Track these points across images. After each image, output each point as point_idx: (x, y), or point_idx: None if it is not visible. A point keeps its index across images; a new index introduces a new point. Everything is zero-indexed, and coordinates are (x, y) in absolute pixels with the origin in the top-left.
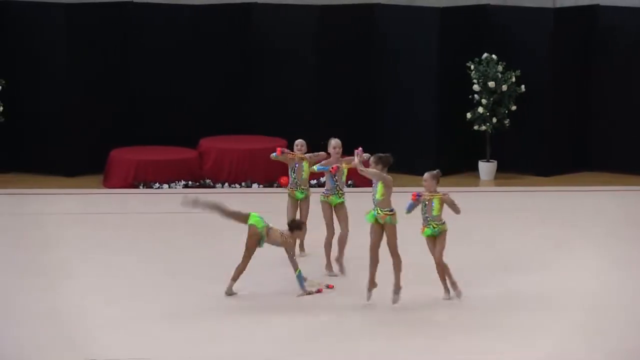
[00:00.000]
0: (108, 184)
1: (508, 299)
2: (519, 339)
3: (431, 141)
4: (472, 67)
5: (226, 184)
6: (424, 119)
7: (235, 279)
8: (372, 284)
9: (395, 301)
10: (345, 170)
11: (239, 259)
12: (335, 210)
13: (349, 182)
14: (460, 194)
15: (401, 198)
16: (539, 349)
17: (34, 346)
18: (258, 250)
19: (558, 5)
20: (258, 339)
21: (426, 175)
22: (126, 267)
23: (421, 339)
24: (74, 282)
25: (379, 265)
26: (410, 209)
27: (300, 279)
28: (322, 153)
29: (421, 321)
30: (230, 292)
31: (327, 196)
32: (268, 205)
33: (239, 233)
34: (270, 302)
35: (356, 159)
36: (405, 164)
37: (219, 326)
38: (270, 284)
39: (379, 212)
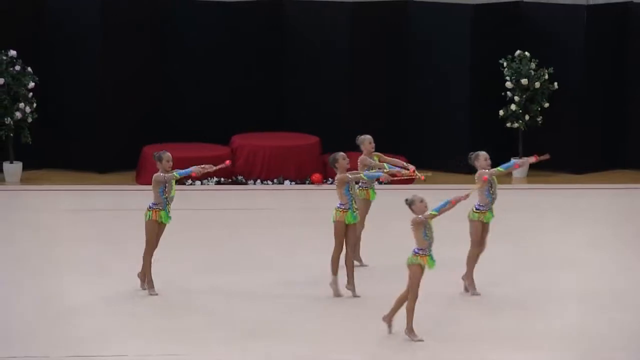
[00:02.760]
0: (141, 180)
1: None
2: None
3: (464, 138)
4: (505, 64)
5: (258, 181)
6: (456, 117)
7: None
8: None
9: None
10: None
11: (269, 255)
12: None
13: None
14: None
15: (436, 195)
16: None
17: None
18: None
19: (592, 3)
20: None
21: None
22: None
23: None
24: (108, 277)
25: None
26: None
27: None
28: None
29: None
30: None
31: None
32: (300, 202)
33: (270, 230)
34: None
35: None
36: (438, 161)
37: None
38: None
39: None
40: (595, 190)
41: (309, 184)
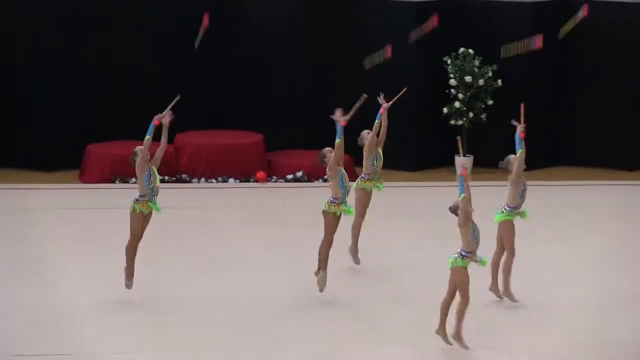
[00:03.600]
0: (84, 179)
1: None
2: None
3: (408, 136)
4: (449, 61)
5: (202, 179)
6: (400, 114)
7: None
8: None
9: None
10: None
11: (219, 253)
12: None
13: (325, 176)
14: (436, 189)
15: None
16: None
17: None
18: None
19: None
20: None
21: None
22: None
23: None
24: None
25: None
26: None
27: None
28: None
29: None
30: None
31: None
32: (243, 200)
33: (217, 228)
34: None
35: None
36: (387, 160)
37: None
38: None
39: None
40: (539, 187)
41: (253, 182)
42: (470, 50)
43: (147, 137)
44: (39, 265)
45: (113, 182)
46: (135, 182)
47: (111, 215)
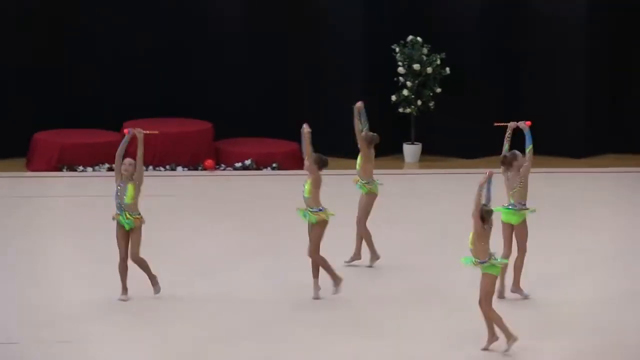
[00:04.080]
0: (31, 167)
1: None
2: None
3: (349, 124)
4: (397, 49)
5: (150, 167)
6: (350, 102)
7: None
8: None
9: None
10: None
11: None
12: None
13: (273, 164)
14: (384, 177)
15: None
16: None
17: None
18: None
19: None
20: None
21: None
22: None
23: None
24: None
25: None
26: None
27: None
28: None
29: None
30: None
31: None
32: (192, 189)
33: (168, 217)
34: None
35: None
36: (332, 147)
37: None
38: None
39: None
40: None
41: (201, 170)
42: (419, 38)
43: (119, 150)
44: None
45: (60, 170)
46: (83, 170)
47: (58, 204)
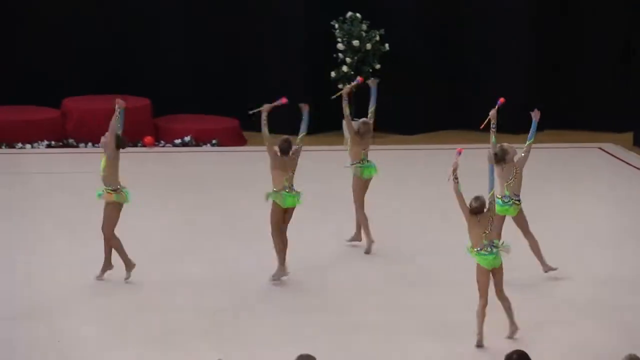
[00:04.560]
0: None
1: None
2: None
3: (295, 101)
4: (337, 25)
5: (90, 144)
6: (289, 78)
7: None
8: None
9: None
10: None
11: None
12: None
13: (213, 141)
14: (324, 153)
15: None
16: None
17: None
18: None
19: None
20: None
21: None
22: None
23: None
24: None
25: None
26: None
27: None
28: None
29: None
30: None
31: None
32: (131, 166)
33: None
34: None
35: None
36: (271, 122)
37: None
38: None
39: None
40: (428, 150)
41: (141, 146)
42: (358, 15)
43: (111, 124)
44: None
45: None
46: (21, 147)
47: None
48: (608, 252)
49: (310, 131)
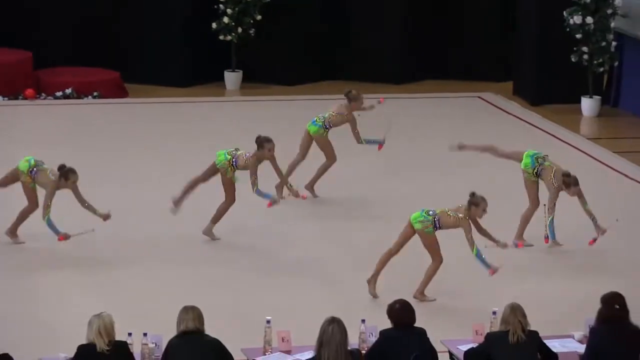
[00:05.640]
0: None
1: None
2: None
3: (177, 51)
4: None
5: None
6: (171, 29)
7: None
8: None
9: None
10: None
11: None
12: None
13: (95, 93)
14: (206, 104)
15: None
16: None
17: None
18: None
19: None
20: None
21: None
22: None
23: None
24: None
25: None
26: None
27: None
28: None
29: None
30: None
31: None
32: (13, 118)
33: None
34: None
35: None
36: (152, 73)
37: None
38: None
39: None
40: (308, 101)
41: (22, 99)
42: None
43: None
44: None
45: None
46: None
47: None
48: None
49: (190, 82)
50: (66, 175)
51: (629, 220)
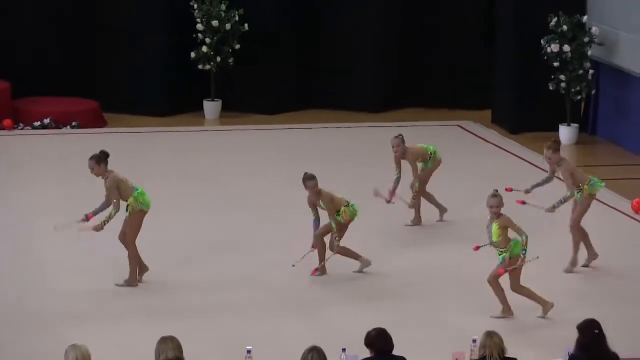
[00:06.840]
0: None
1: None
2: None
3: (156, 80)
4: (196, 6)
5: None
6: (148, 58)
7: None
8: None
9: None
10: None
11: None
12: None
13: (73, 123)
14: (185, 134)
15: None
16: None
17: None
18: None
19: None
20: None
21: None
22: None
23: None
24: None
25: None
26: None
27: None
28: None
29: None
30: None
31: None
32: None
33: None
34: None
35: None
36: (131, 103)
37: None
38: None
39: None
40: (290, 130)
41: (1, 130)
42: None
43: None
44: None
45: None
46: None
47: None
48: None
49: (168, 112)
50: None
51: (605, 249)
